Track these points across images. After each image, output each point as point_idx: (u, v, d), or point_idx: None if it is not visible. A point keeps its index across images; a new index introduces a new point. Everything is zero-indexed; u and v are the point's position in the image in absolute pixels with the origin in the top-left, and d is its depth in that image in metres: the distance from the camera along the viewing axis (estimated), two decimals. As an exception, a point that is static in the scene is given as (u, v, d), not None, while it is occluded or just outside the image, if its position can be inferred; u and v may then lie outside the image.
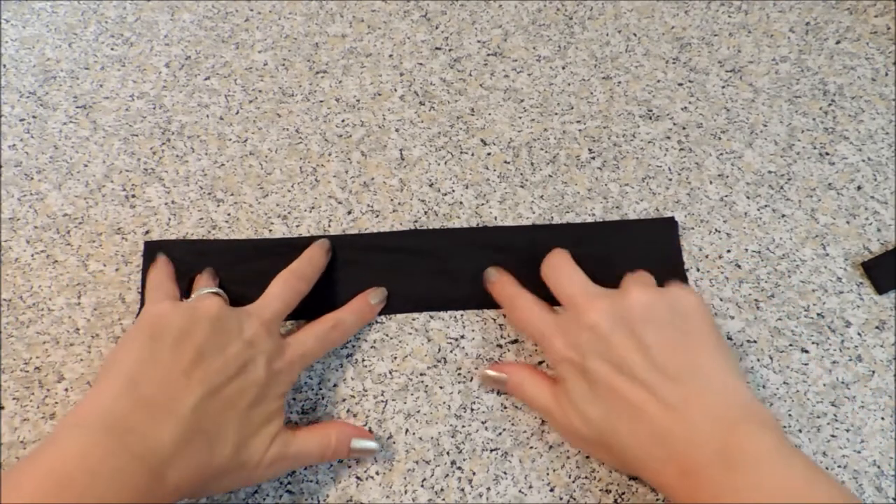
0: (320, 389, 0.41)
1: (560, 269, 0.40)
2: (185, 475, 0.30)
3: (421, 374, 0.42)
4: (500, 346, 0.43)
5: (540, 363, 0.42)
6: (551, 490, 0.38)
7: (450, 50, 0.54)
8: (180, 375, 0.32)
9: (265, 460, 0.35)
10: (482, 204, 0.47)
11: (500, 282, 0.42)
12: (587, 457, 0.39)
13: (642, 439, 0.33)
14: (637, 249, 0.44)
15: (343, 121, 0.51)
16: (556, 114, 0.51)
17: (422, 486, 0.39)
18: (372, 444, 0.38)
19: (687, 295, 0.35)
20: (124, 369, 0.31)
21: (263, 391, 0.35)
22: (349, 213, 0.47)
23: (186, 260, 0.45)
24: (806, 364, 0.42)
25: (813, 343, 0.42)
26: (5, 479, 0.27)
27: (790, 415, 0.40)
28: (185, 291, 0.43)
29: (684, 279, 0.44)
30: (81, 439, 0.28)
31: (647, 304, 0.35)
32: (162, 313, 0.34)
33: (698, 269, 0.45)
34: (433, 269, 0.45)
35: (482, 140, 0.50)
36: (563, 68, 0.53)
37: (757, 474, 0.29)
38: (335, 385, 0.41)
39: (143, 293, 0.44)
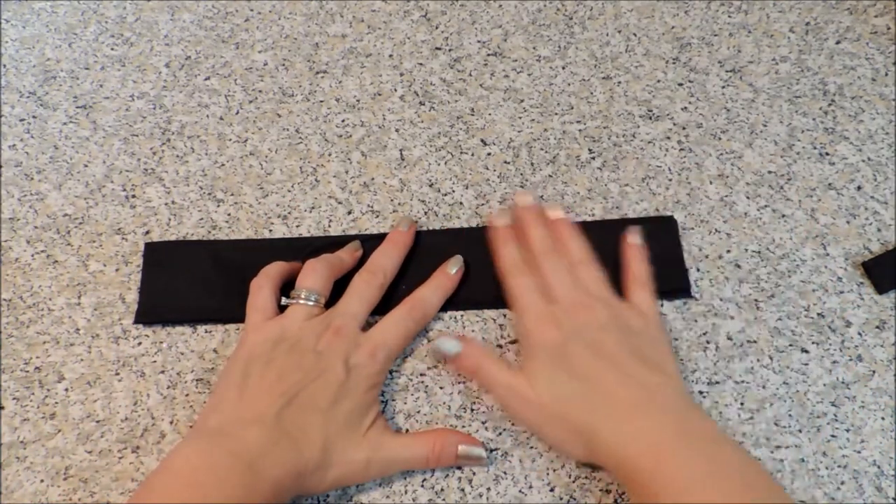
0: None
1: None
2: (279, 471, 0.34)
3: (421, 375, 0.42)
4: (500, 346, 0.43)
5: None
6: (551, 490, 0.38)
7: (450, 50, 0.54)
8: (265, 393, 0.36)
9: (357, 460, 0.36)
10: (482, 204, 0.47)
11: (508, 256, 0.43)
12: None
13: (615, 411, 0.35)
14: None
15: (343, 121, 0.51)
16: (556, 114, 0.51)
17: (422, 486, 0.39)
18: (480, 451, 0.38)
19: (655, 314, 0.41)
20: (222, 395, 0.37)
21: (344, 389, 0.37)
22: (349, 213, 0.47)
23: (187, 261, 0.45)
24: (806, 364, 0.42)
25: (813, 343, 0.42)
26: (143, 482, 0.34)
27: (790, 415, 0.40)
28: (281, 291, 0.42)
29: (685, 277, 0.44)
30: (186, 446, 0.34)
31: (630, 322, 0.40)
32: (252, 345, 0.39)
33: (698, 269, 0.45)
34: (433, 269, 0.44)
35: (482, 140, 0.50)
36: (563, 68, 0.53)
37: (713, 449, 0.34)
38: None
39: (141, 293, 0.44)
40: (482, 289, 0.43)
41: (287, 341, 0.38)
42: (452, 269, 0.43)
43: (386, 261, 0.43)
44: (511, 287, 0.42)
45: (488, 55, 0.54)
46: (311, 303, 0.40)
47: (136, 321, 0.43)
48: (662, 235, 0.45)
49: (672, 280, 0.44)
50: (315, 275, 0.41)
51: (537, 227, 0.43)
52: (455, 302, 0.44)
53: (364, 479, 0.38)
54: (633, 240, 0.44)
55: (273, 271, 0.42)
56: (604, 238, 0.45)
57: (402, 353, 0.42)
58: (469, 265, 0.44)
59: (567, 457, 0.39)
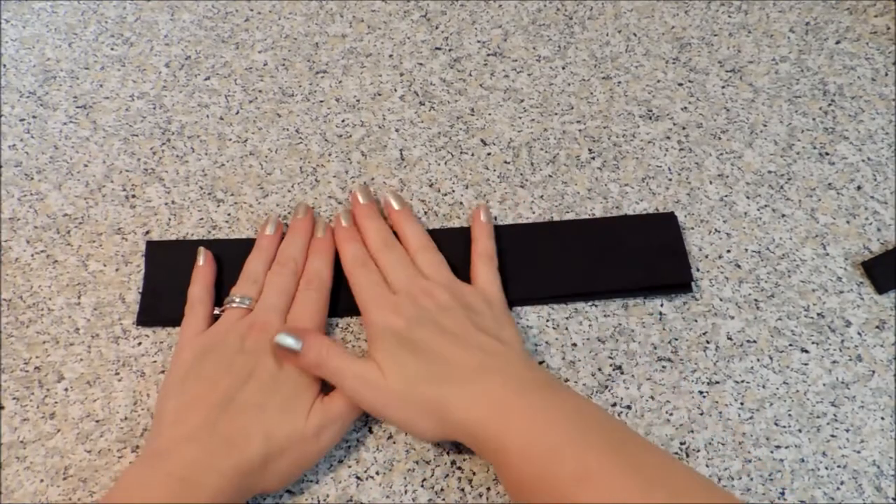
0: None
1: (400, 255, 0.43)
2: (217, 478, 0.34)
3: (421, 374, 0.42)
4: (500, 346, 0.43)
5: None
6: (551, 490, 0.38)
7: (450, 50, 0.54)
8: (199, 407, 0.37)
9: (308, 432, 0.37)
10: (482, 204, 0.47)
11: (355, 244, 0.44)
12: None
13: (460, 379, 0.36)
14: (640, 244, 0.44)
15: (343, 121, 0.51)
16: (556, 114, 0.51)
17: (422, 486, 0.39)
18: None
19: (496, 292, 0.42)
20: (161, 417, 0.37)
21: (277, 380, 0.38)
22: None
23: (189, 260, 0.45)
24: (806, 364, 0.42)
25: (813, 343, 0.42)
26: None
27: (790, 415, 0.40)
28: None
29: (688, 271, 0.44)
30: (128, 472, 0.35)
31: (471, 301, 0.40)
32: (182, 362, 0.39)
33: (698, 269, 0.45)
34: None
35: (482, 140, 0.50)
36: (563, 68, 0.53)
37: (550, 396, 0.35)
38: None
39: (143, 291, 0.44)
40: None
41: (214, 350, 0.39)
42: (319, 232, 0.44)
43: (293, 249, 0.43)
44: (354, 283, 0.42)
45: (488, 55, 0.54)
46: (244, 305, 0.41)
47: (139, 321, 0.43)
48: (664, 231, 0.45)
49: (675, 274, 0.44)
50: (245, 280, 0.42)
51: (371, 221, 0.44)
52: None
53: (321, 451, 0.38)
54: (482, 217, 0.45)
55: (198, 292, 0.42)
56: (606, 234, 0.45)
57: (325, 322, 0.42)
58: (469, 265, 0.44)
59: (421, 438, 0.39)
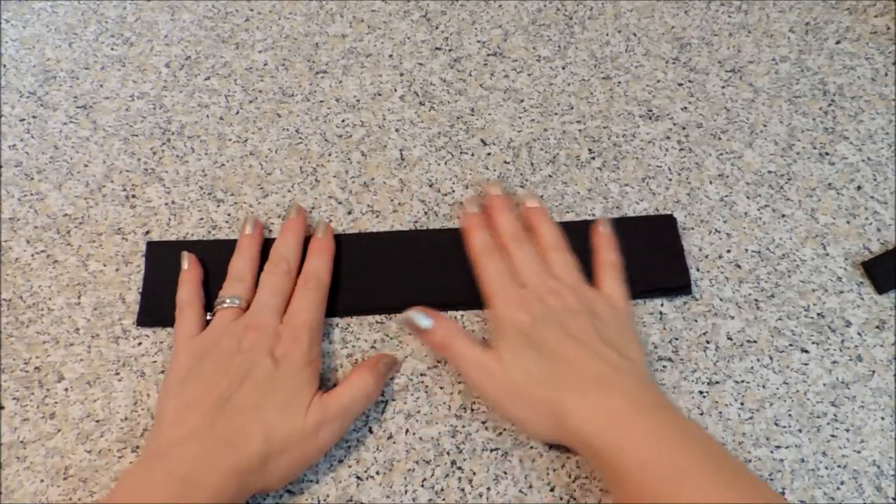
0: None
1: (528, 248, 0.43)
2: (217, 477, 0.34)
3: (421, 375, 0.42)
4: (500, 346, 0.43)
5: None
6: (551, 490, 0.38)
7: (450, 50, 0.54)
8: (197, 407, 0.37)
9: (307, 430, 0.37)
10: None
11: (484, 240, 0.43)
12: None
13: (581, 386, 0.36)
14: (639, 245, 0.44)
15: (343, 121, 0.51)
16: (556, 114, 0.51)
17: (422, 486, 0.39)
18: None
19: (624, 303, 0.42)
20: (160, 418, 0.38)
21: (275, 379, 0.38)
22: (349, 213, 0.47)
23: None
24: (806, 364, 0.42)
25: (813, 343, 0.42)
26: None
27: (790, 415, 0.40)
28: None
29: (687, 274, 0.44)
30: (129, 472, 0.36)
31: (598, 309, 0.40)
32: (180, 365, 0.39)
33: (698, 269, 0.45)
34: (433, 269, 0.45)
35: (482, 140, 0.50)
36: (563, 68, 0.53)
37: (681, 418, 0.36)
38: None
39: (143, 292, 0.44)
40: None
41: (212, 351, 0.39)
42: (319, 233, 0.44)
43: (285, 249, 0.43)
44: (481, 271, 0.42)
45: (488, 55, 0.54)
46: (234, 305, 0.41)
47: (139, 321, 0.43)
48: (662, 233, 0.45)
49: (673, 277, 0.44)
50: (231, 280, 0.42)
51: (505, 213, 0.44)
52: (455, 301, 0.44)
53: (321, 449, 0.38)
54: (603, 229, 0.44)
55: (186, 295, 0.42)
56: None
57: (322, 322, 0.42)
58: (469, 266, 0.44)
59: (533, 437, 0.39)
